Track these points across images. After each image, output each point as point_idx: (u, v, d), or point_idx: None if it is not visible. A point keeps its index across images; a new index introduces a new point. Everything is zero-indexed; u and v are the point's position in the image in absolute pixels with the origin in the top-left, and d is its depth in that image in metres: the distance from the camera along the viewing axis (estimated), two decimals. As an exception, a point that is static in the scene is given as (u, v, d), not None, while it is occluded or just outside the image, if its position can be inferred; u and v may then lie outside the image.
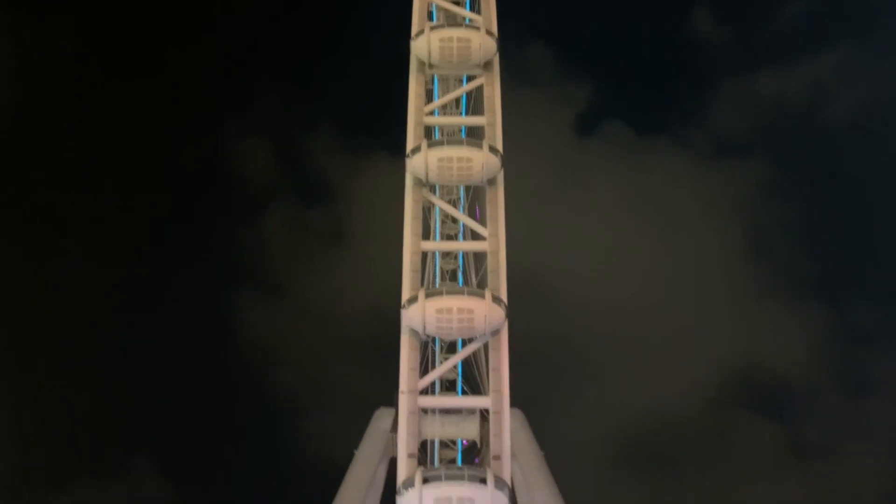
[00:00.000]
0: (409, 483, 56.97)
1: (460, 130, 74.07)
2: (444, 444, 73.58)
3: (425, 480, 56.49)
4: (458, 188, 69.93)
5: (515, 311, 64.52)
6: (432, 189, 66.17)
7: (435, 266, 72.39)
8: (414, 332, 61.66)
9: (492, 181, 64.46)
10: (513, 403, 64.76)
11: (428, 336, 62.91)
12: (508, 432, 61.02)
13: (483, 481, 56.47)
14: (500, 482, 57.15)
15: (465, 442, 72.86)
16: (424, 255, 66.78)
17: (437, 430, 67.05)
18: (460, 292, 63.43)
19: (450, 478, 56.82)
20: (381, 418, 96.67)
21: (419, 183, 64.35)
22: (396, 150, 68.77)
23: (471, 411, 67.06)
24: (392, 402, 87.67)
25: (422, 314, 60.03)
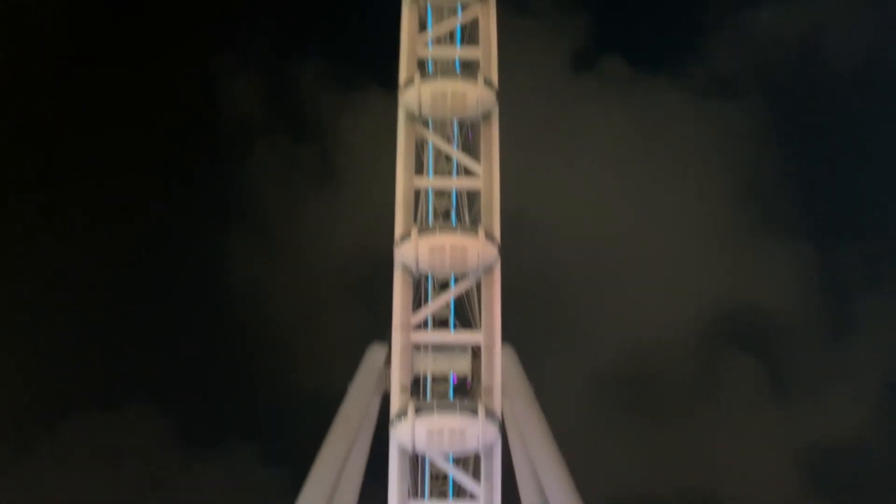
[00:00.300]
0: (401, 414, 58.42)
1: (454, 63, 72.47)
2: (437, 380, 74.76)
3: (417, 412, 57.99)
4: (451, 124, 68.88)
5: (508, 249, 64.87)
6: (425, 124, 65.26)
7: (428, 205, 72.04)
8: (407, 269, 61.93)
9: (486, 116, 63.68)
10: (504, 340, 65.89)
11: (421, 273, 63.16)
12: (499, 367, 62.11)
13: (474, 413, 57.93)
14: (490, 414, 58.59)
15: (455, 378, 74.16)
16: (417, 193, 66.47)
17: (429, 365, 67.95)
18: (453, 230, 63.46)
19: (442, 410, 58.25)
20: (374, 354, 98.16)
21: (412, 117, 63.47)
22: (390, 84, 67.38)
23: (462, 347, 67.93)
24: (385, 338, 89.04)
25: (415, 251, 60.36)
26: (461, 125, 68.53)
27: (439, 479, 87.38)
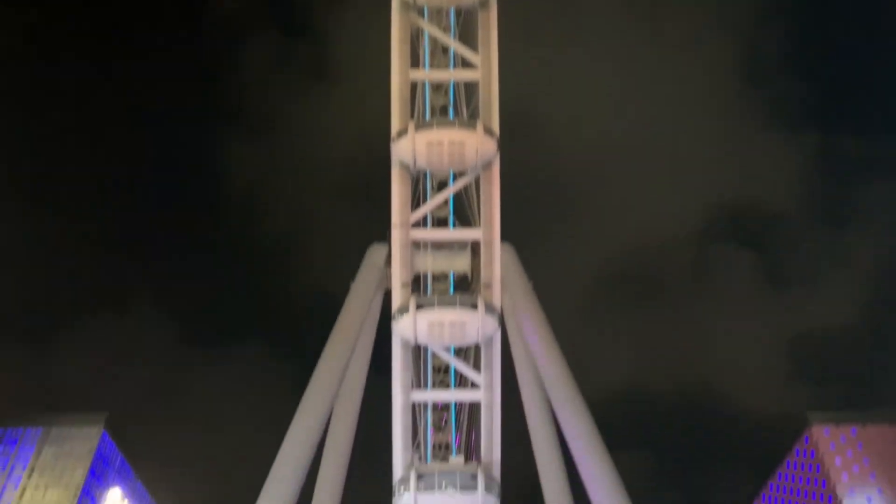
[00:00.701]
0: (403, 309, 59.07)
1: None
2: (437, 279, 75.34)
3: (419, 307, 58.58)
4: (448, 13, 65.74)
5: (507, 146, 63.56)
6: (420, 12, 62.32)
7: (425, 101, 69.97)
8: (404, 166, 60.88)
9: (484, 3, 60.64)
10: (504, 240, 65.93)
11: (419, 170, 62.15)
12: (499, 261, 62.10)
13: (474, 307, 58.60)
14: (490, 308, 59.27)
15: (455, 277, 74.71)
16: (414, 88, 64.43)
17: (429, 264, 67.96)
18: (451, 124, 61.82)
19: (442, 304, 58.73)
20: (374, 253, 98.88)
21: (406, 5, 60.50)
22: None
23: (462, 246, 67.84)
24: (385, 239, 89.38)
25: (412, 147, 58.95)
26: (458, 13, 65.44)
27: (441, 371, 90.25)
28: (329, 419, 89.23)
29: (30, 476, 18.97)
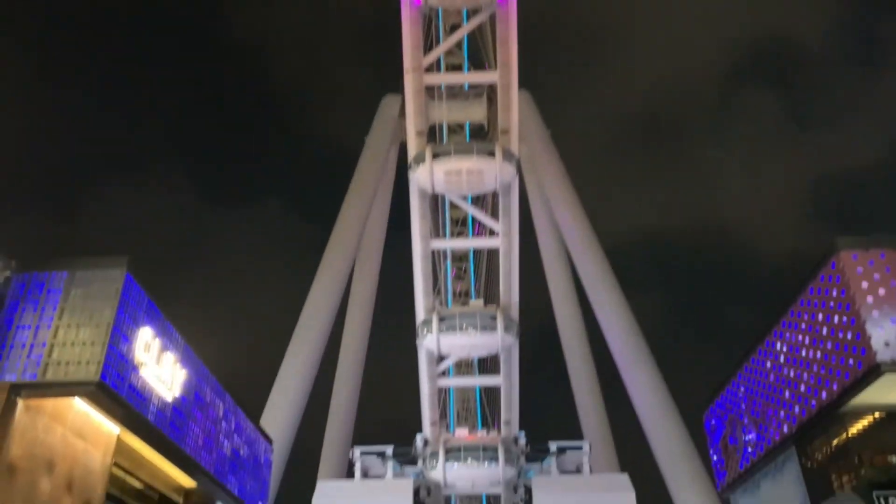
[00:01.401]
0: (419, 158, 57.97)
1: None
2: (453, 130, 73.97)
3: (435, 156, 57.38)
4: None
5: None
6: None
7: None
8: (415, 6, 57.81)
9: None
10: (521, 87, 63.65)
11: (430, 7, 58.77)
12: (516, 106, 60.13)
13: (492, 154, 57.41)
14: (508, 154, 58.01)
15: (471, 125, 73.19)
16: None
17: (443, 114, 66.04)
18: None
19: (459, 151, 57.43)
20: (388, 105, 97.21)
21: None
22: None
23: (478, 94, 65.75)
24: (398, 90, 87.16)
25: None
26: None
27: (458, 224, 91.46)
28: (352, 271, 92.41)
29: (60, 317, 20.17)
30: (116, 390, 22.95)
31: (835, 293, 23.93)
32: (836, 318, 23.47)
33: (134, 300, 24.36)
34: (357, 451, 69.42)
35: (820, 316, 24.75)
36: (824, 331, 24.29)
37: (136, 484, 31.03)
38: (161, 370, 26.07)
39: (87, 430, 24.68)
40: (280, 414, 72.41)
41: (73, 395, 22.60)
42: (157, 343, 25.92)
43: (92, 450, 25.11)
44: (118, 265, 24.35)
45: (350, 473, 68.87)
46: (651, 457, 71.01)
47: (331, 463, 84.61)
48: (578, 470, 64.55)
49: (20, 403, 21.80)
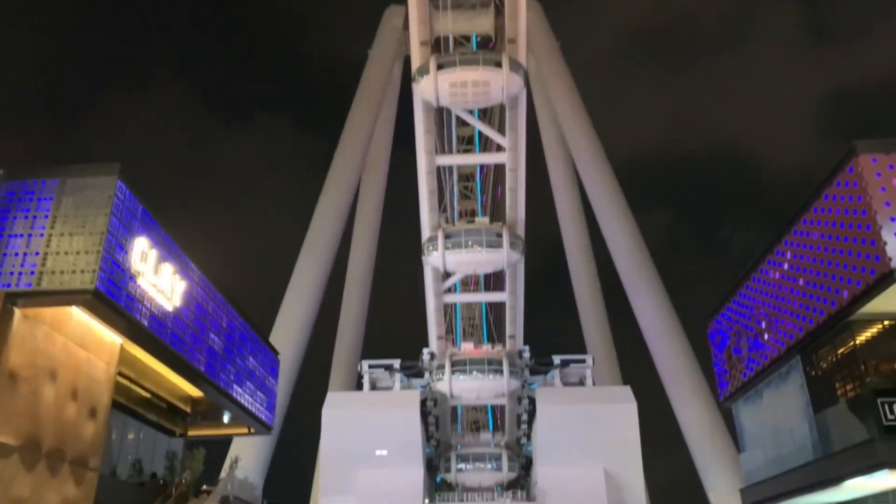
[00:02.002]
0: (423, 70, 56.07)
1: None
2: (458, 43, 71.32)
3: (440, 67, 55.46)
4: None
5: None
6: None
7: None
8: None
9: None
10: (529, -2, 60.79)
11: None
12: (524, 13, 57.60)
13: (498, 65, 55.42)
14: (515, 65, 55.91)
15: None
16: None
17: (448, 24, 63.38)
18: None
19: (464, 62, 55.43)
20: (391, 17, 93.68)
21: None
22: None
23: (484, 3, 62.93)
24: (402, 1, 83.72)
25: None
26: None
27: (464, 141, 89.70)
28: (358, 189, 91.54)
29: (52, 226, 19.73)
30: (114, 299, 22.73)
31: (851, 199, 23.09)
32: (850, 225, 22.77)
33: (128, 208, 23.78)
34: (365, 364, 70.81)
35: (834, 223, 24.04)
36: (838, 238, 23.60)
37: (144, 393, 31.47)
38: (160, 280, 25.81)
39: (88, 340, 24.67)
40: (290, 329, 73.54)
41: (69, 304, 22.41)
42: (154, 253, 25.53)
43: (95, 359, 25.21)
44: (110, 172, 23.64)
45: (359, 387, 70.50)
46: (653, 372, 72.14)
47: (341, 377, 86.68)
48: (581, 382, 65.73)
49: (17, 312, 21.65)
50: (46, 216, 22.92)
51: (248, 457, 61.32)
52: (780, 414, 27.86)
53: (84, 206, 23.15)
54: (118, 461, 30.02)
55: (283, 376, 71.90)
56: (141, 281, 24.91)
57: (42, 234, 22.64)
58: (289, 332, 72.83)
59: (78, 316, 24.15)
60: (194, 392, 32.58)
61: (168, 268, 27.07)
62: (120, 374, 28.19)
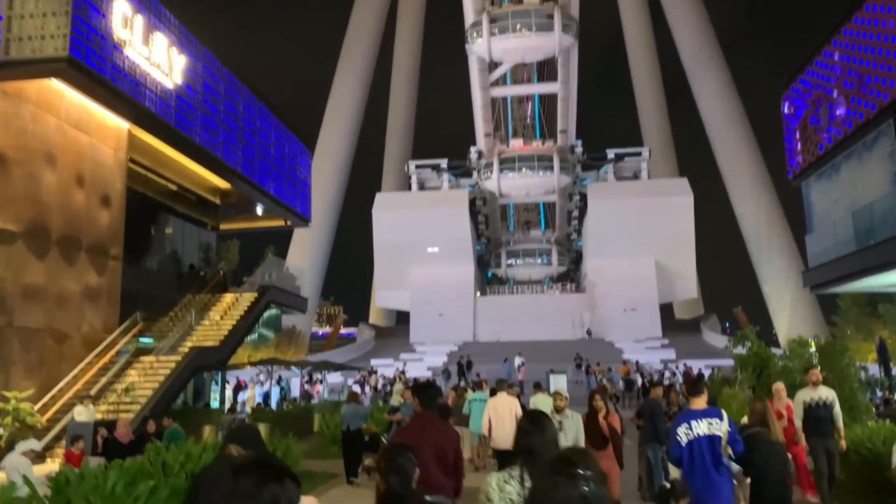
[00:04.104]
0: (477, 28, 56.64)
1: None
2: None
3: (492, 20, 56.55)
4: None
5: None
6: None
7: None
8: None
9: None
10: None
11: None
12: None
13: (550, 16, 54.54)
14: (566, 24, 55.51)
15: None
16: None
17: None
18: None
19: (517, 19, 58.18)
20: None
21: None
22: None
23: None
24: None
25: None
26: None
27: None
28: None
29: None
30: (94, 68, 20.25)
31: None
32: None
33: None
34: (412, 164, 68.94)
35: (883, 22, 19.12)
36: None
37: (169, 185, 30.26)
38: (151, 52, 22.95)
39: (86, 123, 22.79)
40: (337, 133, 71.48)
41: (46, 75, 20.10)
42: (140, 20, 22.47)
43: (99, 144, 23.52)
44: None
45: (409, 188, 69.22)
46: (712, 165, 67.69)
47: (393, 179, 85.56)
48: (636, 176, 62.47)
49: (-6, 88, 19.65)
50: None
51: (298, 258, 62.55)
52: (860, 189, 24.45)
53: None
54: (158, 253, 29.84)
55: (333, 180, 71.02)
56: (129, 51, 22.19)
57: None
58: (336, 136, 70.95)
59: (70, 96, 22.05)
60: (222, 183, 31.18)
61: (162, 39, 24.11)
62: (136, 162, 26.69)
